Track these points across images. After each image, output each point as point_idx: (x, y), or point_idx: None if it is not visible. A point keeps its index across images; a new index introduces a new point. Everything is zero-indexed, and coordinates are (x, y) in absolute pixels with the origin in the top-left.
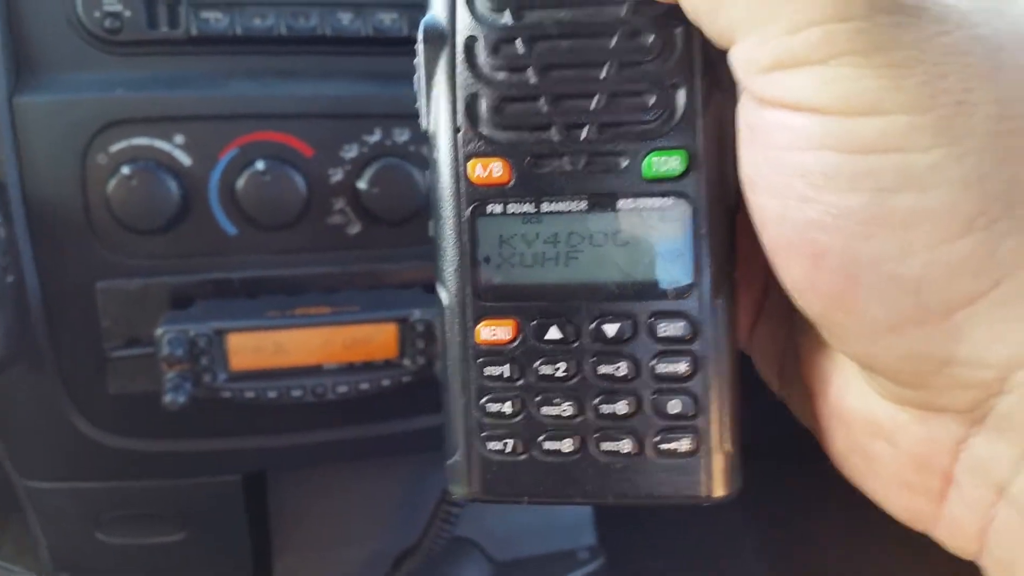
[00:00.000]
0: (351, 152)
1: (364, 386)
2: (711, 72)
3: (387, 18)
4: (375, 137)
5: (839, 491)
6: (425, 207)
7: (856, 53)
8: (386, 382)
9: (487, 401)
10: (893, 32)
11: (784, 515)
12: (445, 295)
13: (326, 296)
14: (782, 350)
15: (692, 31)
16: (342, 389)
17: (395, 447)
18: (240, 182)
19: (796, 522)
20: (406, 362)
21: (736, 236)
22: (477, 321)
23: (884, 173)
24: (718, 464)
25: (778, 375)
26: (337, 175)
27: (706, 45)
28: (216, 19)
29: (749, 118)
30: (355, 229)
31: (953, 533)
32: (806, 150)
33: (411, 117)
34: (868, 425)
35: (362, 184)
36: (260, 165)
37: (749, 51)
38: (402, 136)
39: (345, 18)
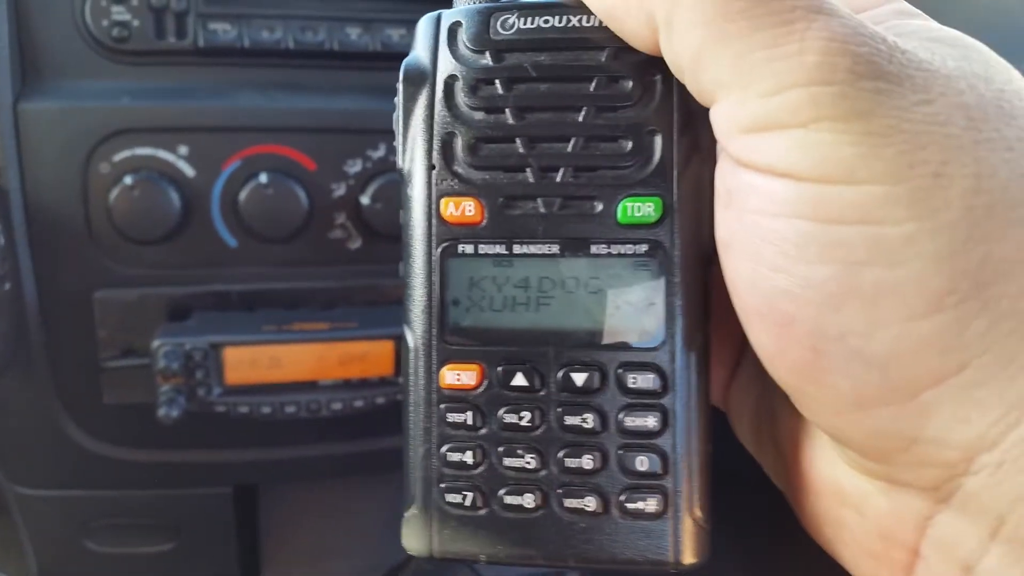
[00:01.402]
0: (354, 167)
1: (359, 403)
2: (690, 121)
3: (395, 34)
4: (379, 153)
5: None
6: None
7: (836, 119)
8: (381, 399)
9: (448, 449)
10: (874, 99)
11: (767, 532)
12: (411, 336)
13: (324, 312)
14: (756, 409)
15: (672, 79)
16: (336, 406)
17: (388, 464)
18: (242, 194)
19: (781, 533)
20: (401, 380)
21: (712, 288)
22: (442, 364)
23: (855, 245)
24: (687, 528)
25: (752, 434)
26: (340, 189)
27: (685, 94)
28: (224, 31)
29: (726, 179)
30: (356, 244)
31: None
32: (779, 216)
33: None
34: (837, 493)
35: (364, 199)
36: (263, 178)
37: (729, 110)
38: None
39: (353, 33)
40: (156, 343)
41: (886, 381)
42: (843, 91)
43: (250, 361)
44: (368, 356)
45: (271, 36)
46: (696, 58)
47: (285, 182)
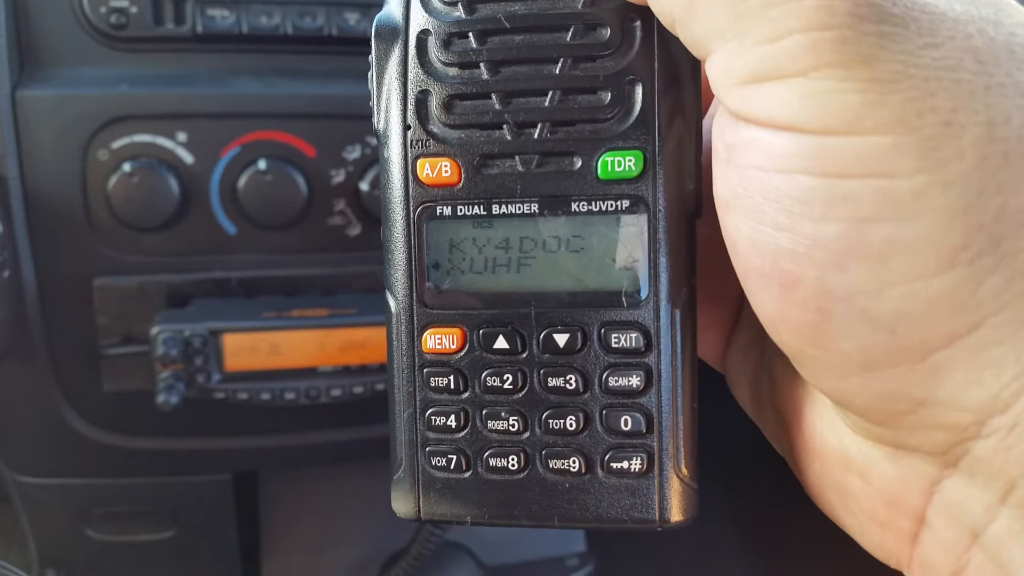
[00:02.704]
0: (353, 153)
1: (358, 389)
2: (672, 69)
3: None
4: None
5: None
6: None
7: (838, 65)
8: (380, 386)
9: (432, 414)
10: (878, 43)
11: (770, 520)
12: (392, 301)
13: (323, 298)
14: (755, 373)
15: (652, 25)
16: (336, 392)
17: (387, 450)
18: (241, 181)
19: (783, 528)
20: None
21: (698, 244)
22: (423, 329)
23: (862, 200)
24: (672, 487)
25: (751, 399)
26: (339, 176)
27: (666, 40)
28: (222, 17)
29: (725, 135)
30: (355, 230)
31: (926, 574)
32: (782, 172)
33: None
34: (841, 460)
35: (364, 185)
36: (262, 164)
37: (726, 61)
38: None
39: (352, 18)
40: (155, 330)
41: (895, 342)
42: (844, 35)
43: (249, 348)
44: (367, 343)
45: (269, 22)
46: (688, 7)
47: (284, 169)
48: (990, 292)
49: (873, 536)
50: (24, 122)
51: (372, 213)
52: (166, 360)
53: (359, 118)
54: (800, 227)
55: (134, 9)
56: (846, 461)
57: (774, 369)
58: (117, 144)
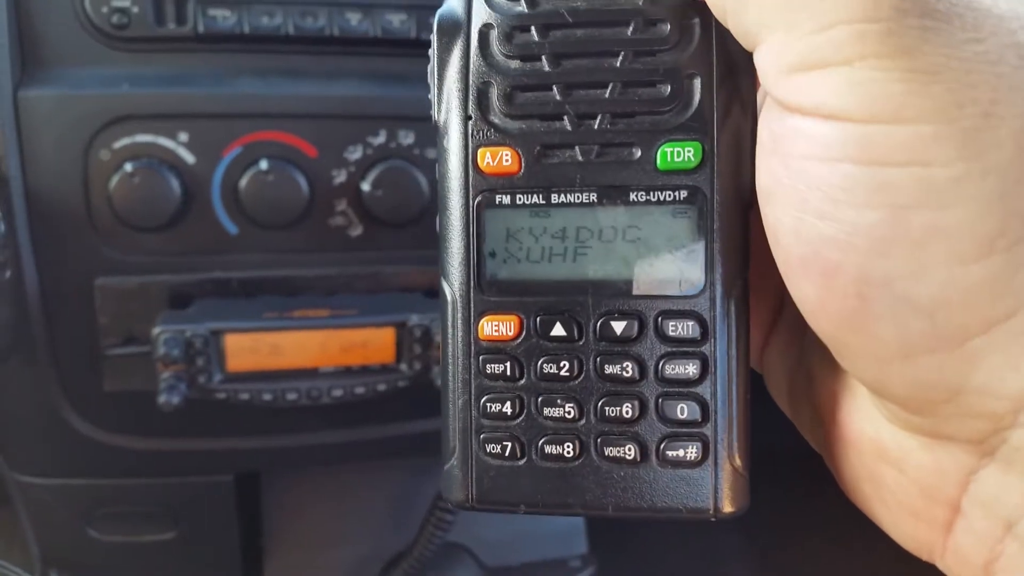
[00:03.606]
0: (355, 153)
1: (360, 390)
2: (729, 65)
3: (396, 19)
4: (380, 139)
5: (834, 502)
6: (428, 210)
7: (882, 56)
8: (382, 386)
9: (487, 400)
10: (921, 36)
11: (777, 524)
12: (448, 289)
13: (325, 299)
14: (793, 369)
15: (710, 21)
16: (337, 393)
17: (389, 451)
18: (243, 181)
19: (789, 532)
20: (403, 367)
21: (751, 239)
22: (480, 316)
23: (903, 187)
24: (727, 477)
25: (788, 395)
26: (340, 176)
27: (724, 37)
28: (224, 17)
29: (772, 125)
30: (357, 231)
31: (958, 565)
32: (826, 160)
33: (417, 120)
34: (877, 450)
35: (365, 186)
36: (263, 164)
37: (775, 51)
38: (407, 139)
39: (354, 18)
40: (157, 330)
41: (933, 328)
42: (889, 28)
43: (251, 348)
44: (369, 343)
45: (271, 22)
46: None
47: (286, 169)
48: None
49: (906, 527)
50: (26, 122)
51: (373, 213)
52: (167, 360)
53: (360, 118)
54: (842, 214)
55: (136, 9)
56: (882, 452)
57: (811, 365)
58: (119, 144)
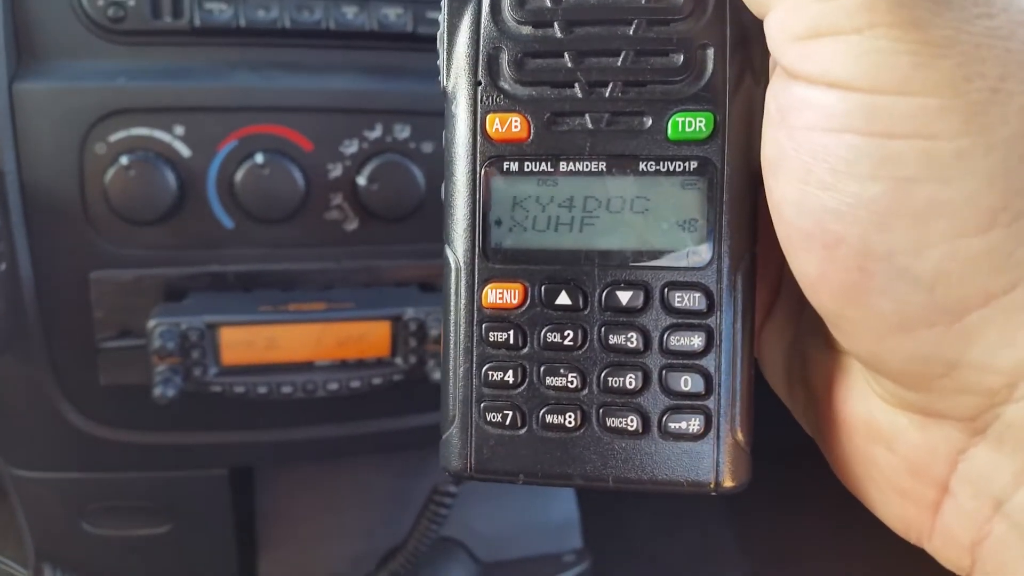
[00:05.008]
0: (351, 147)
1: (355, 384)
2: (742, 36)
3: (392, 13)
4: (376, 133)
5: (827, 495)
6: (423, 204)
7: (892, 25)
8: (377, 380)
9: (489, 368)
10: (933, 8)
11: (770, 518)
12: (452, 256)
13: (320, 292)
14: (788, 352)
15: None
16: (333, 386)
17: (384, 445)
18: (238, 175)
19: (782, 526)
20: (398, 361)
21: (759, 214)
22: (484, 284)
23: (907, 160)
24: (728, 450)
25: (783, 378)
26: (336, 170)
27: (738, 8)
28: (220, 10)
29: (778, 96)
30: (352, 225)
31: (946, 545)
32: (831, 131)
33: (413, 113)
34: (868, 430)
35: (361, 180)
36: (259, 158)
37: (784, 18)
38: (403, 132)
39: (350, 12)
40: (152, 323)
41: (932, 301)
42: None
43: (246, 341)
44: (365, 337)
45: (267, 15)
46: None
47: (281, 162)
48: None
49: (895, 507)
50: (21, 115)
51: (369, 208)
52: (163, 353)
53: (356, 112)
54: (845, 186)
55: (132, 2)
56: (873, 431)
57: (807, 346)
58: (114, 137)
